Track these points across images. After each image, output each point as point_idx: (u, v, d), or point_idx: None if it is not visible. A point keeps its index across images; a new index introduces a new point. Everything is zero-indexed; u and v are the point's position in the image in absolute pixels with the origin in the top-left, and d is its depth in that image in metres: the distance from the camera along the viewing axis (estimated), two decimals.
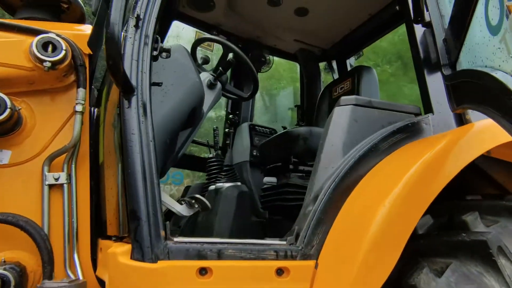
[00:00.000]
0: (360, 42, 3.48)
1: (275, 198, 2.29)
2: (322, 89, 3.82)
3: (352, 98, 1.39)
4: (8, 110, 1.19)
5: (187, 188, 3.21)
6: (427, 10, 1.43)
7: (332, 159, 1.29)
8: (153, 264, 0.94)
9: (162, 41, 3.40)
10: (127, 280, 0.93)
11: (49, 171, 1.32)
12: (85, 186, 1.37)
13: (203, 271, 0.97)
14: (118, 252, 0.98)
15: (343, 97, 1.40)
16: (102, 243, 1.32)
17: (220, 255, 1.01)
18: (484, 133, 1.17)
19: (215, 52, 3.54)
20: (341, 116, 1.36)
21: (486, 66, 1.01)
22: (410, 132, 1.36)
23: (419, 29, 1.56)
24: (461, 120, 1.40)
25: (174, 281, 0.94)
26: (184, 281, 0.95)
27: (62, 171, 1.34)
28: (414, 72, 1.58)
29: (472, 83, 1.08)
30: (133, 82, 1.10)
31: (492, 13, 0.92)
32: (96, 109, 1.49)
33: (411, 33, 1.52)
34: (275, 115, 4.57)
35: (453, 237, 1.08)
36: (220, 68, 2.16)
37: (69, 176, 1.35)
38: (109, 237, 1.33)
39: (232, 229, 2.56)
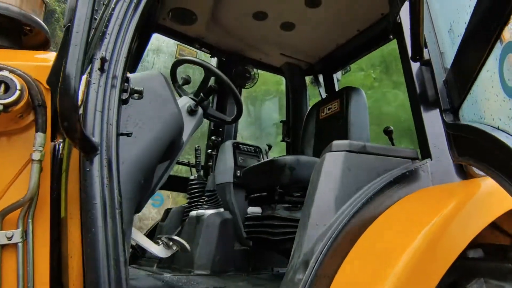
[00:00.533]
0: (348, 57, 3.38)
1: (260, 230, 2.15)
2: (308, 103, 3.71)
3: (345, 143, 1.27)
4: None
5: (168, 211, 3.04)
6: (426, 47, 1.32)
7: (323, 215, 1.16)
8: None
9: (141, 56, 3.20)
10: None
11: (1, 228, 1.15)
12: (44, 245, 1.20)
13: None
14: None
15: (335, 142, 1.28)
16: None
17: None
18: (492, 195, 1.06)
19: (198, 57, 3.38)
20: (333, 164, 1.23)
21: (498, 128, 0.90)
22: (407, 182, 1.24)
23: (415, 63, 1.45)
24: (461, 167, 1.30)
25: None
26: None
27: (17, 228, 1.17)
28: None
29: (480, 143, 0.97)
30: (96, 138, 0.95)
31: (509, 73, 0.81)
32: (60, 150, 1.32)
33: (407, 70, 1.41)
34: (259, 128, 4.45)
35: None
36: (202, 94, 2.01)
37: (25, 233, 1.18)
38: None
39: (215, 260, 2.42)
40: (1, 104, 1.12)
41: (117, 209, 0.93)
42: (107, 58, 1.02)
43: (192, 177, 2.91)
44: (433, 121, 1.35)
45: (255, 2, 2.81)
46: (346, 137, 2.37)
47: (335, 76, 3.60)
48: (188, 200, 2.84)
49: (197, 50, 3.33)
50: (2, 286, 1.13)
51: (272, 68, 3.65)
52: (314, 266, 1.07)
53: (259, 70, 3.52)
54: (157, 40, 3.48)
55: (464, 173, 1.26)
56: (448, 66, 1.30)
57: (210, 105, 2.35)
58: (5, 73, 1.15)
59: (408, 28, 1.43)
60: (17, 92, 1.15)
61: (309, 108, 3.57)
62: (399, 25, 1.51)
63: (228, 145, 3.06)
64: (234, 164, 2.97)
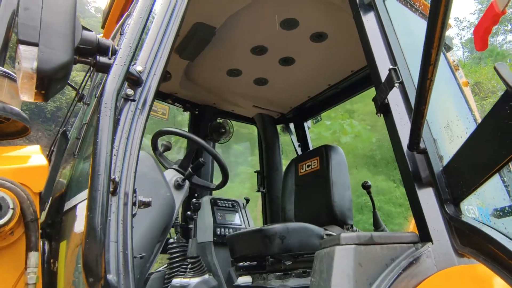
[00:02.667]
0: (318, 108, 3.50)
1: None
2: (281, 153, 3.75)
3: (353, 236, 1.28)
4: None
5: (147, 277, 2.87)
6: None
7: None
8: None
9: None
10: None
11: None
12: None
13: None
14: None
15: (343, 235, 1.29)
16: None
17: None
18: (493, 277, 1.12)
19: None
20: (344, 259, 1.24)
21: (509, 238, 0.95)
22: (414, 270, 1.27)
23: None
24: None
25: None
26: None
27: None
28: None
29: (486, 244, 1.03)
30: (113, 276, 0.87)
31: None
32: (51, 263, 1.21)
33: (399, 153, 1.47)
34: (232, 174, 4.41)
35: None
36: (190, 169, 1.97)
37: None
38: None
39: None
40: None
41: None
42: (117, 179, 0.96)
43: (171, 240, 2.79)
44: (429, 203, 1.40)
45: (230, 61, 2.86)
46: (330, 197, 2.41)
47: (306, 124, 3.70)
48: (168, 265, 2.70)
49: (168, 105, 3.29)
50: None
51: (245, 119, 3.68)
52: None
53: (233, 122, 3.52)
54: None
55: (462, 254, 1.32)
56: (441, 153, 1.38)
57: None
58: (1, 194, 1.05)
59: (395, 108, 1.52)
60: (10, 212, 1.06)
61: (282, 158, 3.61)
62: (387, 106, 1.57)
63: (206, 201, 3.00)
64: (213, 221, 2.90)
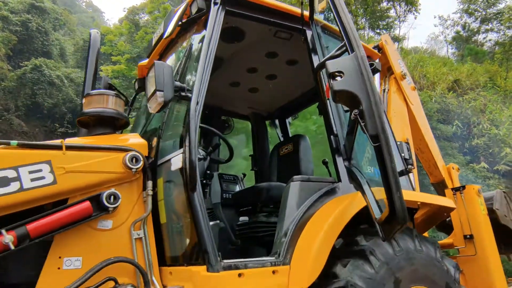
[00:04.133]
0: (295, 108, 4.86)
1: (249, 231, 3.43)
2: (268, 141, 5.10)
3: (299, 177, 2.64)
4: (119, 200, 2.21)
5: None
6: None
7: (291, 212, 2.50)
8: (218, 273, 2.03)
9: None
10: (208, 283, 2.02)
11: (134, 229, 2.33)
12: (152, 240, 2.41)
13: (240, 275, 2.08)
14: (199, 270, 2.05)
15: (295, 176, 2.64)
16: (167, 269, 2.35)
17: (246, 267, 2.12)
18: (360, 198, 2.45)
19: None
20: (295, 189, 2.59)
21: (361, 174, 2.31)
22: (329, 194, 2.63)
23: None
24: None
25: (228, 281, 2.03)
26: (232, 281, 2.05)
27: (140, 229, 2.36)
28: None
29: (357, 180, 2.39)
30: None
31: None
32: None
33: (330, 136, 2.80)
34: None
35: (350, 247, 2.34)
36: (211, 148, 3.29)
37: (144, 232, 2.37)
38: (170, 265, 2.38)
39: None
40: (135, 168, 2.34)
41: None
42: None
43: None
44: (342, 163, 2.75)
45: (232, 77, 4.17)
46: (299, 169, 3.76)
47: (287, 120, 5.04)
48: None
49: None
50: (137, 256, 2.31)
51: (241, 116, 5.02)
52: (289, 233, 2.38)
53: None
54: None
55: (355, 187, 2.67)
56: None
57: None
58: (135, 153, 2.37)
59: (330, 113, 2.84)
60: (141, 162, 2.38)
61: (270, 145, 4.96)
62: (325, 106, 2.88)
63: (215, 175, 4.33)
64: (220, 189, 4.24)
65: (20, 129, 25.72)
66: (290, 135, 4.88)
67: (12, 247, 1.87)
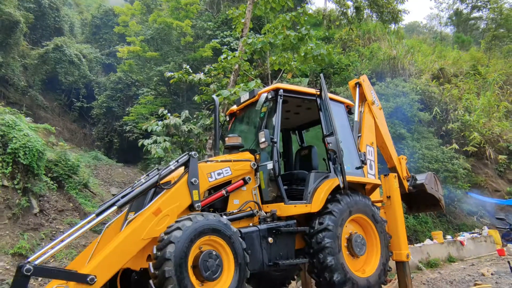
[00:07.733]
0: (306, 127, 9.18)
1: (290, 191, 7.79)
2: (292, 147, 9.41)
3: (313, 170, 6.99)
4: (251, 179, 6.50)
5: None
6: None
7: (311, 185, 6.85)
8: (289, 205, 6.41)
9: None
10: (286, 209, 6.39)
11: (253, 191, 6.63)
12: None
13: (295, 206, 6.47)
14: (280, 205, 6.43)
15: (313, 171, 6.97)
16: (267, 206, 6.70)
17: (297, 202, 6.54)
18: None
19: None
20: (312, 175, 6.96)
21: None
22: (325, 178, 6.98)
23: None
24: None
25: (292, 206, 6.47)
26: (293, 206, 6.47)
27: (254, 190, 6.65)
28: None
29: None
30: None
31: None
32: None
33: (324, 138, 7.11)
34: None
35: (333, 198, 6.73)
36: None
37: (256, 191, 6.68)
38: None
39: None
40: (254, 168, 6.67)
41: None
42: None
43: None
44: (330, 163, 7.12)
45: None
46: (311, 165, 8.04)
47: (302, 132, 9.36)
48: None
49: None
50: None
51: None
52: (310, 193, 6.69)
53: None
54: None
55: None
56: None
57: None
58: (253, 162, 6.71)
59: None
60: (256, 165, 6.71)
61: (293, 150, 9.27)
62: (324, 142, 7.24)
63: None
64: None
65: (42, 104, 29.30)
66: (305, 141, 9.22)
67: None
